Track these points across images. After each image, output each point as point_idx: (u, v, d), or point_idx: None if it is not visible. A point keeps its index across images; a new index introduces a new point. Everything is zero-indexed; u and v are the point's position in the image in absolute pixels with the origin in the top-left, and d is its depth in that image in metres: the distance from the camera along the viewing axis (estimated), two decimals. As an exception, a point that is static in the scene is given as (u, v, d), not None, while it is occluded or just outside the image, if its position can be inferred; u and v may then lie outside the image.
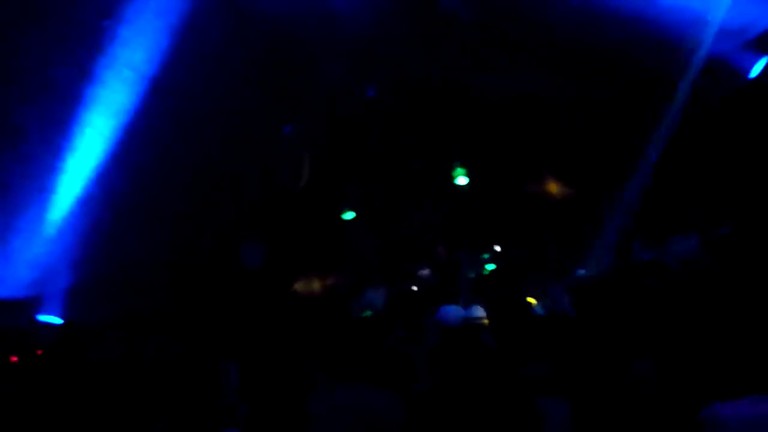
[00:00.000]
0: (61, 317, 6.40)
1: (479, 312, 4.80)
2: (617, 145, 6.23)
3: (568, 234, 6.64)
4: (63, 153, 5.75)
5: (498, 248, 7.49)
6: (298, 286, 7.47)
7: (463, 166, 7.44)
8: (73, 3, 5.36)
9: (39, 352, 6.54)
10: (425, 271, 7.20)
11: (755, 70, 5.60)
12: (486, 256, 7.30)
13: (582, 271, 6.03)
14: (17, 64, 5.51)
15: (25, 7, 5.10)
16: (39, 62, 5.52)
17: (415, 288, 7.23)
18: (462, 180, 7.52)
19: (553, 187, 7.34)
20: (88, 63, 5.58)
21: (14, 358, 6.38)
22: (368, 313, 6.92)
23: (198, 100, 6.41)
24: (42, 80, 5.55)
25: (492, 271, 7.45)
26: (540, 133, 6.89)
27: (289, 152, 7.32)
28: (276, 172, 7.34)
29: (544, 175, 7.24)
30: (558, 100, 6.58)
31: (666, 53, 5.57)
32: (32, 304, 6.30)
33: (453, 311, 4.77)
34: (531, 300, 5.37)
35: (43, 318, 6.36)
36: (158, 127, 6.18)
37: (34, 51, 5.46)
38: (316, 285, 7.51)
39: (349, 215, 7.89)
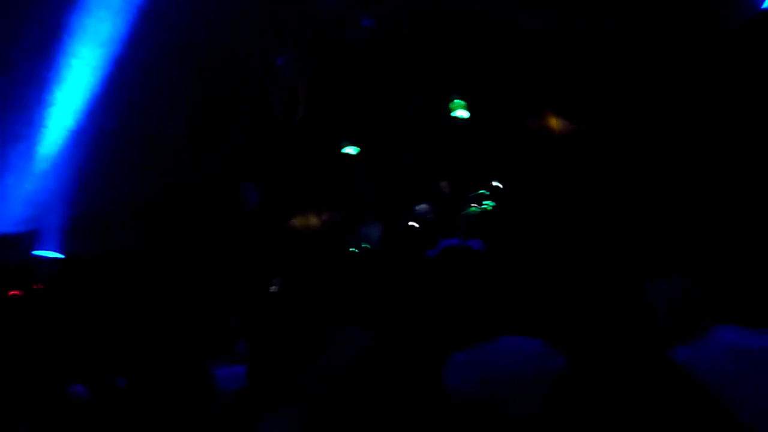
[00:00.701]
0: (58, 252, 6.43)
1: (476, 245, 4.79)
2: (623, 81, 6.06)
3: (567, 170, 6.56)
4: (51, 85, 5.61)
5: (497, 184, 7.41)
6: (295, 221, 7.45)
7: (462, 99, 7.24)
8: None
9: (39, 286, 6.62)
10: (423, 207, 7.14)
11: (768, 0, 5.39)
12: (484, 192, 7.22)
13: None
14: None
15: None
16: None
17: (412, 224, 7.20)
18: (461, 113, 7.32)
19: (554, 123, 7.20)
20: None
21: (15, 292, 6.46)
22: (364, 247, 6.93)
23: (189, 30, 6.20)
24: (26, 10, 5.35)
25: (491, 207, 7.41)
26: (543, 66, 6.70)
27: (284, 85, 7.15)
28: (271, 105, 7.19)
29: (545, 110, 7.09)
30: (564, 32, 6.37)
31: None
32: (29, 239, 6.32)
33: (449, 246, 4.76)
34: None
35: (40, 253, 6.39)
36: (148, 59, 5.99)
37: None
38: (312, 220, 7.49)
39: (350, 149, 7.70)
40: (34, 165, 5.83)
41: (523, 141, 7.07)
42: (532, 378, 1.72)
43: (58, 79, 5.61)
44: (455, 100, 7.26)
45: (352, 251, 6.99)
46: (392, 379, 1.76)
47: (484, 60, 6.86)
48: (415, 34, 6.57)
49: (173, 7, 5.93)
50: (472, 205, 7.06)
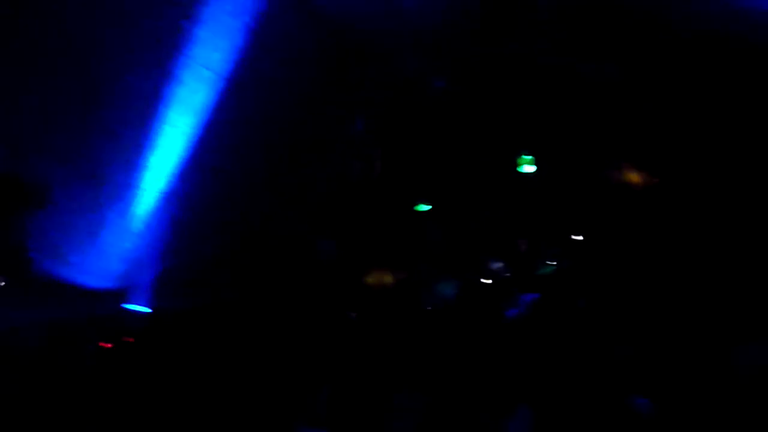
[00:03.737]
0: (148, 307, 6.73)
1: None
2: (702, 132, 5.89)
3: (649, 224, 6.34)
4: (147, 151, 6.03)
5: (578, 238, 7.24)
6: (370, 279, 7.52)
7: (532, 154, 7.22)
8: (152, 5, 5.60)
9: (130, 339, 6.91)
10: (498, 264, 7.08)
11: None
12: (561, 249, 7.07)
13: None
14: (104, 66, 5.80)
15: (105, 11, 5.37)
16: (122, 64, 5.81)
17: (487, 281, 7.12)
18: (528, 168, 7.28)
19: (634, 177, 7.03)
20: (168, 63, 5.82)
21: (107, 345, 6.77)
22: (439, 305, 6.88)
23: (273, 97, 6.58)
24: (126, 81, 5.83)
25: (571, 263, 7.21)
26: (620, 119, 6.62)
27: (360, 146, 7.39)
28: (348, 165, 7.42)
29: (624, 163, 6.94)
30: (639, 86, 6.30)
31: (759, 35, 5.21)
32: (121, 294, 6.66)
33: (529, 302, 4.69)
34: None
35: (131, 307, 6.71)
36: (235, 125, 6.38)
37: (117, 53, 5.74)
38: (387, 278, 7.53)
39: (423, 207, 7.80)
40: (130, 224, 6.21)
41: (602, 195, 6.93)
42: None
43: (153, 144, 6.03)
44: (522, 156, 7.25)
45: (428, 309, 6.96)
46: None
47: (561, 114, 6.85)
48: (487, 92, 6.68)
49: (259, 78, 6.34)
50: (549, 262, 6.93)
